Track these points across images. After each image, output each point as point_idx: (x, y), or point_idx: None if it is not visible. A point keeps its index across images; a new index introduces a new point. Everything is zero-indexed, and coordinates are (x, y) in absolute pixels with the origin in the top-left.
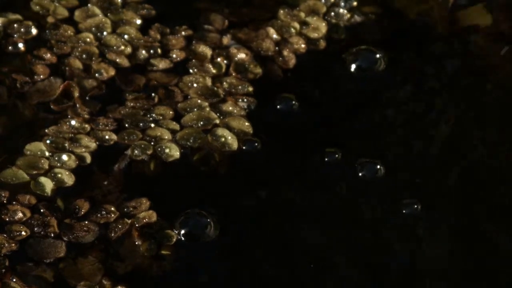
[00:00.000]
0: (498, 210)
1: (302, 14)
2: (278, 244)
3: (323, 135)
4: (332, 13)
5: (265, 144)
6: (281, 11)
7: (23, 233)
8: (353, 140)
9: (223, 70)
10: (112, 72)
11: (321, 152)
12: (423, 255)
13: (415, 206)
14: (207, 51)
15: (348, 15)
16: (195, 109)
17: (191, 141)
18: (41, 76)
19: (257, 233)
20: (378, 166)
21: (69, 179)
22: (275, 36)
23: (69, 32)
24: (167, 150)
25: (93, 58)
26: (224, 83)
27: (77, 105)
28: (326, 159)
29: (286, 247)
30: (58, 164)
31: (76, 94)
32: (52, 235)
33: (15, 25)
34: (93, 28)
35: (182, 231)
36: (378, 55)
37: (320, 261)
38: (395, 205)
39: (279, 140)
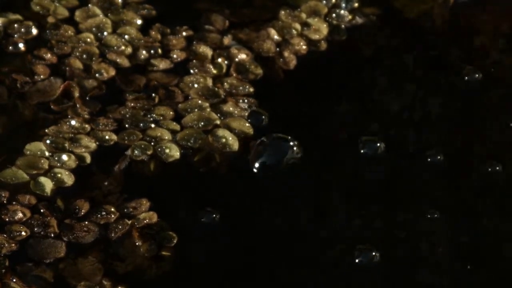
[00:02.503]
0: None
1: (303, 15)
2: (278, 244)
3: None
4: (333, 15)
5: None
6: (282, 12)
7: (23, 233)
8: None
9: (224, 70)
10: (112, 72)
11: None
12: None
13: None
14: (207, 51)
15: (350, 17)
16: (196, 110)
17: (191, 141)
18: (41, 76)
19: (256, 234)
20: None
21: (69, 179)
22: (276, 37)
23: (69, 32)
24: (167, 151)
25: (94, 58)
26: (225, 83)
27: (77, 105)
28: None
29: (285, 246)
30: (58, 164)
31: (76, 94)
32: (52, 235)
33: (15, 25)
34: (94, 28)
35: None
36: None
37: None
38: None
39: None
